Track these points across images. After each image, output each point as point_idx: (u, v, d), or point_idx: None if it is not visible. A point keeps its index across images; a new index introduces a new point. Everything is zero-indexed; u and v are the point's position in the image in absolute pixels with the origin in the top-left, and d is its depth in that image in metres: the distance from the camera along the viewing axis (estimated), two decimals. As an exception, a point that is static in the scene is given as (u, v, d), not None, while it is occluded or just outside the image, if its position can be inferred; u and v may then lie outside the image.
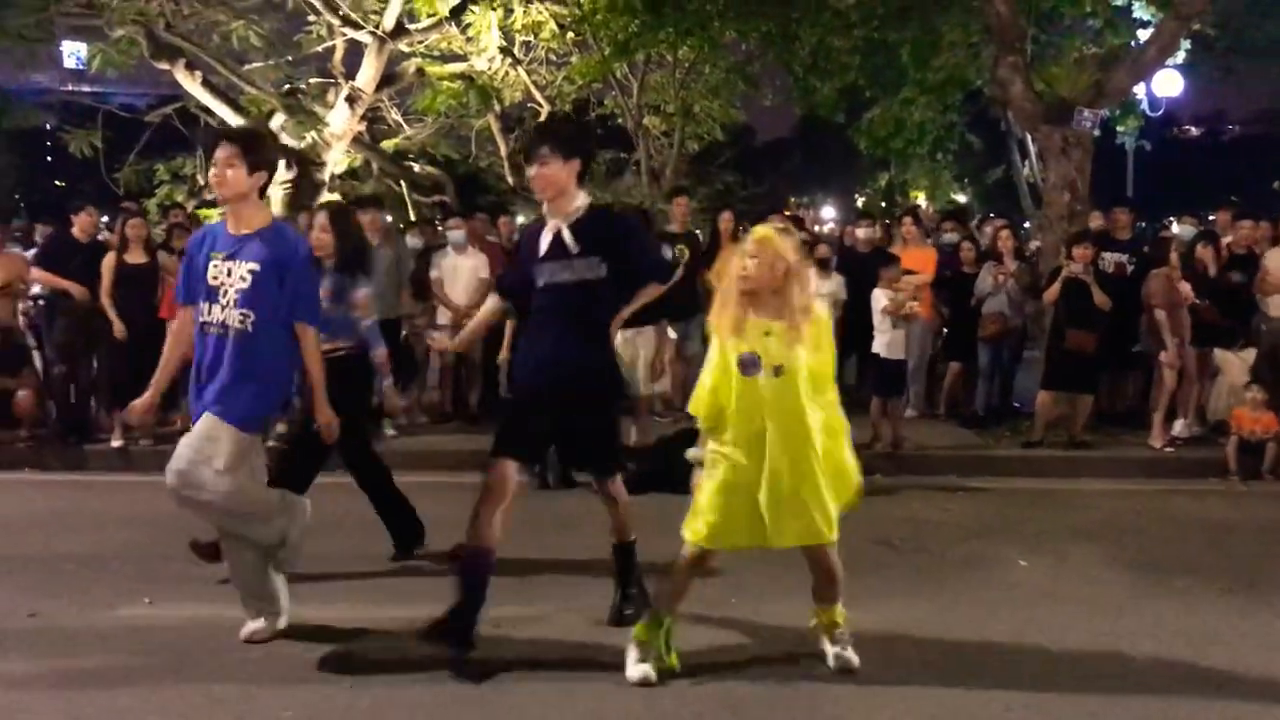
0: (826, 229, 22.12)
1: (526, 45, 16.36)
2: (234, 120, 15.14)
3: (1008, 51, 11.20)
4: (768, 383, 4.49)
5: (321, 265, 5.75)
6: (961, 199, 30.50)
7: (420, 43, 15.78)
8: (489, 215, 12.74)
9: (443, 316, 10.43)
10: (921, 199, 29.18)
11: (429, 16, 15.00)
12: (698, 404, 4.63)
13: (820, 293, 10.23)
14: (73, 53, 26.93)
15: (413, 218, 15.70)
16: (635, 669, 4.63)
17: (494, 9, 14.73)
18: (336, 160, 15.63)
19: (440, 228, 12.02)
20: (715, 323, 4.66)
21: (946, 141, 16.26)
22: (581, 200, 4.97)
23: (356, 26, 15.08)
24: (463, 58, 16.02)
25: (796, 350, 4.53)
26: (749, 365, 4.50)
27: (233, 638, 5.00)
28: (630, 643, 4.71)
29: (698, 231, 11.87)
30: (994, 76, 11.67)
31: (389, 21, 15.01)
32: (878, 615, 5.41)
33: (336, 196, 15.46)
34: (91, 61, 16.14)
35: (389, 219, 12.60)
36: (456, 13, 14.98)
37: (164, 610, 5.51)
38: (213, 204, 15.62)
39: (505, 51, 15.83)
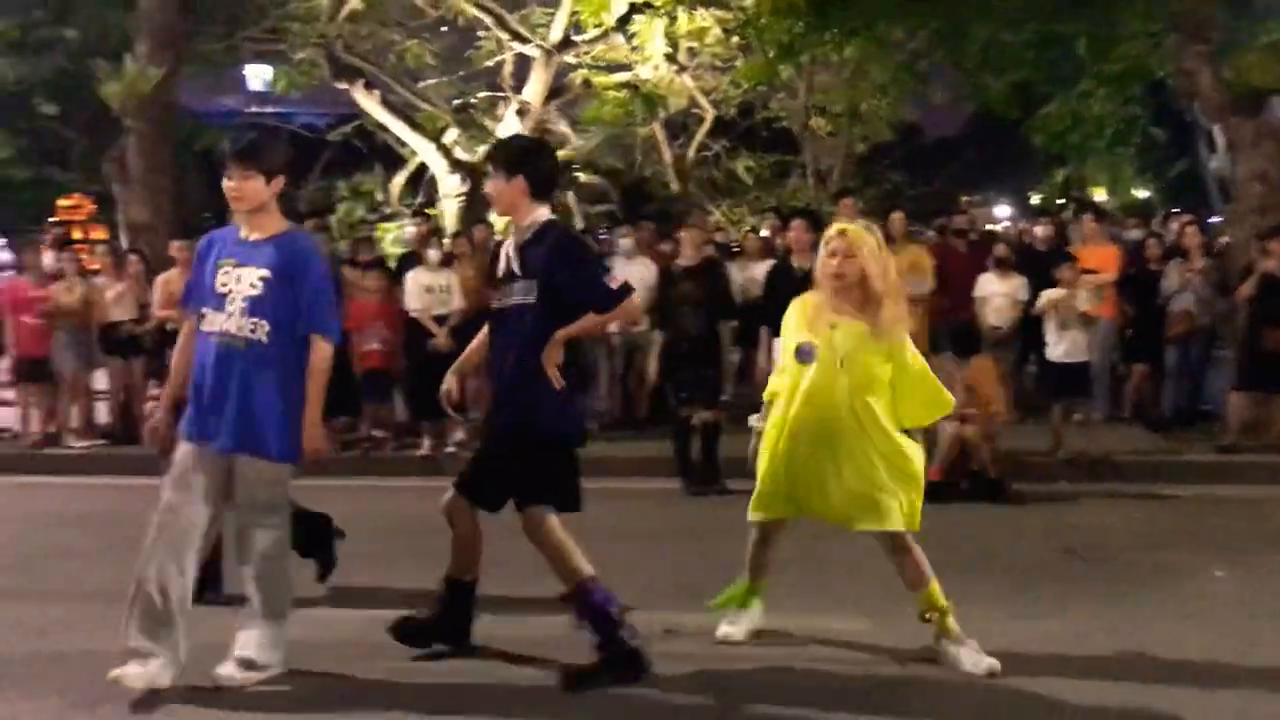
0: (1000, 227, 21.51)
1: (691, 51, 16.42)
2: (411, 137, 15.65)
3: (1194, 40, 10.72)
4: (826, 371, 4.63)
5: None
6: (1143, 194, 29.27)
7: (586, 54, 16.00)
8: (655, 223, 12.78)
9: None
10: (1101, 195, 28.14)
11: (595, 28, 15.20)
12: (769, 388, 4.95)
13: (999, 293, 10.10)
14: (257, 76, 28.25)
15: (580, 227, 15.92)
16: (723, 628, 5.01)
17: (659, 17, 14.82)
18: (507, 172, 15.92)
19: (606, 236, 12.13)
20: (791, 312, 4.85)
21: (1128, 135, 15.62)
22: (535, 218, 4.69)
23: (525, 41, 15.40)
24: (628, 67, 16.19)
25: (865, 346, 4.64)
26: (805, 354, 4.67)
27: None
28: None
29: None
30: (1179, 66, 11.18)
31: (556, 34, 15.27)
32: (1063, 625, 5.24)
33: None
34: (275, 84, 16.93)
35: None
36: (622, 23, 15.13)
37: (345, 613, 5.67)
38: (390, 218, 16.20)
39: (670, 59, 15.92)
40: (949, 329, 9.47)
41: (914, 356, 4.76)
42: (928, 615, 4.76)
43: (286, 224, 4.64)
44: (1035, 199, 34.41)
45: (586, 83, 16.51)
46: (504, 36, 15.57)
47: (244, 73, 26.17)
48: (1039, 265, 10.24)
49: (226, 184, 4.52)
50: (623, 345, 10.57)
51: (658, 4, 14.42)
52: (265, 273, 4.45)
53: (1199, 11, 10.76)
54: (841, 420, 4.64)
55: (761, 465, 4.84)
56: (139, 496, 5.30)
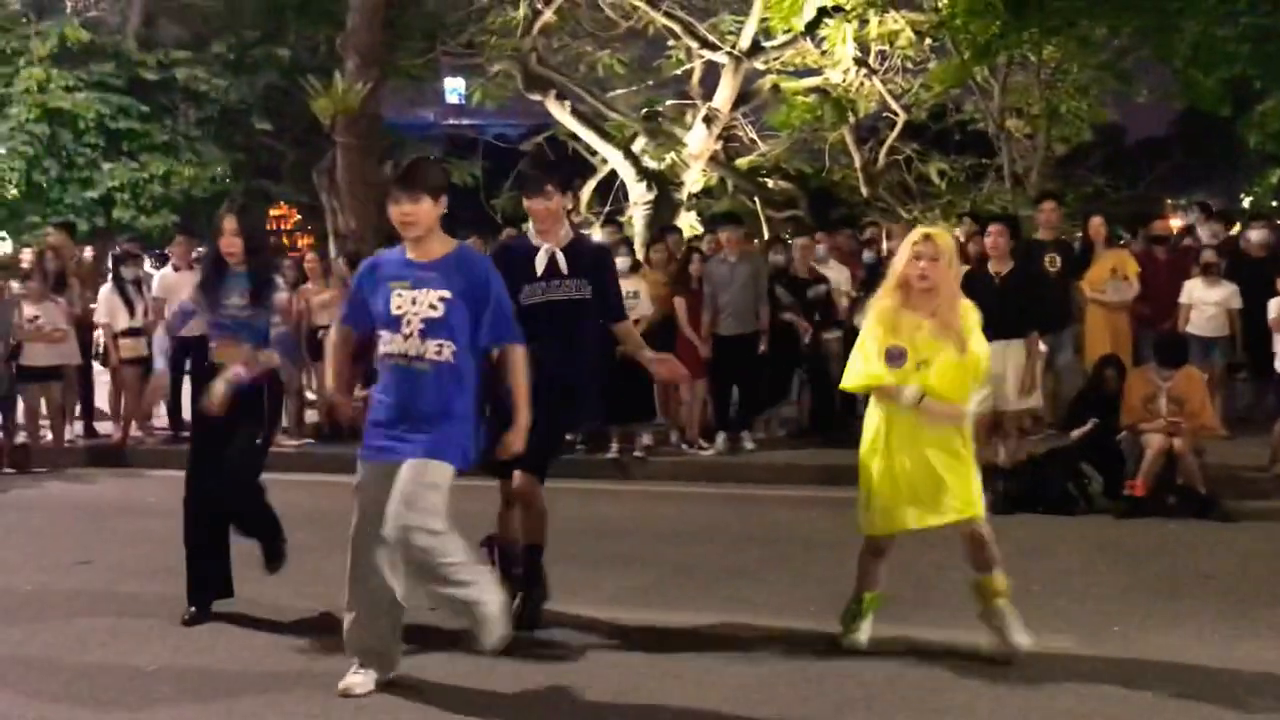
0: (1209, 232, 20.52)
1: (882, 55, 16.18)
2: (601, 146, 15.89)
3: None
4: (908, 375, 4.73)
5: (228, 270, 5.47)
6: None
7: (776, 59, 15.95)
8: (846, 228, 12.63)
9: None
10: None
11: (784, 33, 15.14)
12: (847, 384, 5.02)
13: (1207, 300, 9.65)
14: (453, 88, 29.20)
15: (766, 234, 15.87)
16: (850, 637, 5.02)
17: (849, 21, 14.66)
18: (694, 179, 16.05)
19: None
20: (871, 312, 4.93)
21: (1350, 133, 14.72)
22: (568, 227, 5.52)
23: (714, 48, 15.46)
24: (817, 71, 16.07)
25: (946, 346, 4.73)
26: (895, 358, 4.75)
27: (611, 637, 5.19)
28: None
29: (1068, 239, 11.25)
30: None
31: (745, 41, 15.28)
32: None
33: (694, 215, 15.91)
34: (471, 96, 17.47)
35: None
36: (812, 27, 15.03)
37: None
38: (579, 227, 16.48)
39: (860, 63, 15.73)
40: (1154, 338, 9.09)
41: (976, 343, 4.81)
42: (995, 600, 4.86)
43: (454, 241, 4.69)
44: (1247, 201, 32.70)
45: (775, 88, 16.46)
46: (693, 44, 15.67)
47: (442, 86, 27.08)
48: (1253, 273, 9.71)
49: (397, 210, 4.54)
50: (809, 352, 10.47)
51: (848, 7, 14.27)
52: (445, 293, 4.48)
53: None
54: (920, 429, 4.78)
55: (869, 480, 4.90)
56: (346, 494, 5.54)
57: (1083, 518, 7.78)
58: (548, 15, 15.34)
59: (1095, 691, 4.56)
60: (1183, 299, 9.75)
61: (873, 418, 4.93)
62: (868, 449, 4.92)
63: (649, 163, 15.72)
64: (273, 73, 18.99)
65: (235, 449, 5.41)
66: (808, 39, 15.44)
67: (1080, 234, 11.56)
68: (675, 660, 4.97)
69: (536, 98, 15.88)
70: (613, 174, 16.56)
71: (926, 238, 4.82)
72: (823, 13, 14.91)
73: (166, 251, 12.54)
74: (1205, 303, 9.68)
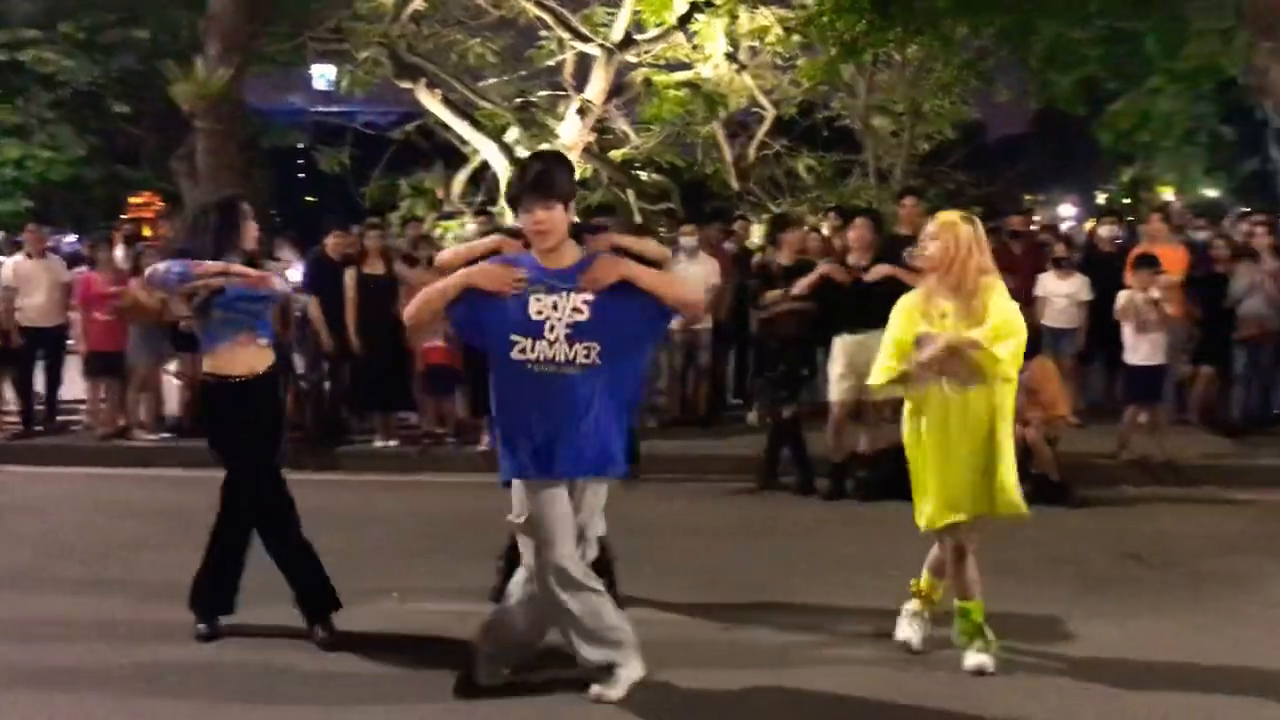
0: (1065, 227, 21.24)
1: (752, 50, 16.36)
2: (473, 136, 15.74)
3: (1266, 36, 10.51)
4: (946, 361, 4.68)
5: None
6: (1212, 193, 28.75)
7: (648, 53, 15.99)
8: (718, 221, 12.77)
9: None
10: (1168, 194, 27.66)
11: (656, 27, 15.20)
12: (873, 382, 5.05)
13: (1060, 293, 10.01)
14: (322, 75, 28.57)
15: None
16: (973, 658, 4.75)
17: (720, 16, 14.79)
18: (568, 171, 15.97)
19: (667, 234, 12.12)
20: (896, 308, 4.91)
21: (1196, 133, 15.39)
22: None
23: (586, 40, 15.42)
24: (689, 66, 16.16)
25: (971, 329, 4.68)
26: (924, 344, 4.71)
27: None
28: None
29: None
30: (1249, 64, 10.98)
31: (617, 33, 15.29)
32: (1126, 631, 5.17)
33: (568, 206, 15.86)
34: (340, 83, 17.11)
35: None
36: (683, 21, 15.12)
37: (411, 606, 5.75)
38: (451, 216, 16.32)
39: (731, 58, 15.88)
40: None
41: (995, 312, 4.72)
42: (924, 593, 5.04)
43: (579, 248, 4.47)
44: (1101, 198, 33.95)
45: (647, 81, 16.51)
46: (565, 35, 15.61)
47: (309, 72, 26.52)
48: (1104, 266, 10.10)
49: (529, 219, 4.31)
50: (681, 343, 10.57)
51: (719, 3, 14.38)
52: (589, 295, 4.31)
53: (1270, 8, 10.55)
54: (966, 410, 4.72)
55: (916, 475, 4.85)
56: (206, 489, 5.42)
57: (943, 504, 8.01)
58: (417, 2, 15.12)
59: (947, 673, 4.71)
60: (1037, 291, 10.10)
61: (908, 413, 4.89)
62: (909, 442, 4.88)
63: (522, 153, 15.61)
64: (130, 55, 18.36)
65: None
66: (680, 33, 15.53)
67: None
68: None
69: (406, 86, 15.64)
70: (485, 164, 16.43)
71: (941, 225, 4.81)
72: (694, 7, 15.00)
73: (19, 239, 12.07)
74: (1057, 295, 10.04)
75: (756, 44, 16.18)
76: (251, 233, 5.30)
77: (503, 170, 15.57)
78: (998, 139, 35.13)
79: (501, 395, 4.41)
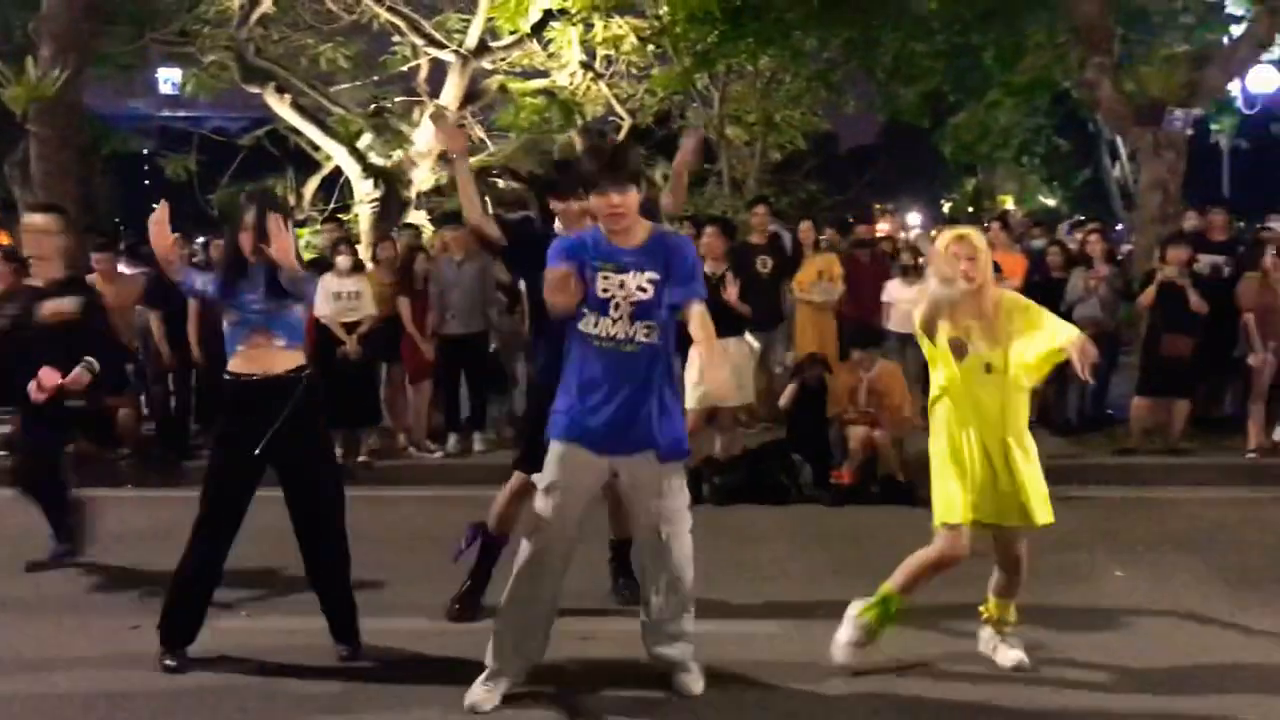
0: (913, 235, 21.87)
1: (608, 59, 16.46)
2: (324, 141, 15.45)
3: (1095, 52, 11.01)
4: (977, 374, 4.69)
5: (249, 264, 5.06)
6: (1050, 202, 29.95)
7: (503, 60, 15.95)
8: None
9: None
10: (1009, 203, 28.70)
11: (511, 34, 15.17)
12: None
13: (906, 299, 10.30)
14: (167, 79, 27.73)
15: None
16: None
17: (575, 24, 14.84)
18: (423, 178, 15.85)
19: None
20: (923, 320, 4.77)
21: (1033, 144, 16.02)
22: None
23: (440, 46, 15.31)
24: (545, 73, 16.18)
25: (1002, 347, 4.68)
26: (958, 349, 4.70)
27: (330, 651, 5.07)
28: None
29: (781, 234, 11.67)
30: (1082, 78, 11.47)
31: (471, 40, 15.21)
32: (975, 624, 5.33)
33: (423, 214, 15.71)
34: (185, 87, 16.62)
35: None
36: (538, 29, 15.12)
37: (261, 624, 5.62)
38: (302, 224, 15.98)
39: (586, 66, 15.94)
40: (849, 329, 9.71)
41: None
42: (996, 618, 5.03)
43: (649, 224, 4.57)
44: (946, 207, 35.04)
45: (503, 88, 16.47)
46: (419, 41, 15.47)
47: (155, 76, 25.69)
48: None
49: (603, 203, 4.38)
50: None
51: (573, 11, 14.43)
52: (655, 275, 4.43)
53: (1099, 25, 11.05)
54: (995, 421, 4.72)
55: (938, 462, 4.82)
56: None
57: (795, 506, 8.18)
58: (266, 5, 14.80)
59: (794, 671, 4.82)
60: (884, 297, 10.38)
61: (935, 402, 4.85)
62: (935, 429, 4.85)
63: (376, 159, 15.41)
64: (-43, 56, 17.50)
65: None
66: (534, 41, 15.53)
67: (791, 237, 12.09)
68: (392, 669, 4.91)
69: (255, 90, 15.30)
70: (338, 170, 16.16)
71: (960, 238, 4.72)
72: (549, 15, 15.03)
73: None
74: (903, 300, 10.33)
75: (612, 53, 16.28)
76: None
77: (356, 176, 15.35)
78: (848, 149, 35.97)
79: (571, 362, 4.53)
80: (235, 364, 5.04)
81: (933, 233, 9.40)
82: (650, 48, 15.54)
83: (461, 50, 15.19)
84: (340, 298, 9.56)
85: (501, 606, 4.59)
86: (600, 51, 16.05)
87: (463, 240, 10.00)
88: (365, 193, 15.18)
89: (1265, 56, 13.67)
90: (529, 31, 14.99)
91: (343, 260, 9.69)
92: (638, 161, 4.53)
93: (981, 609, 5.05)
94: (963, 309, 4.69)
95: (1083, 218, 17.53)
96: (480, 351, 9.94)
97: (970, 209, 31.28)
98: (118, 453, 9.79)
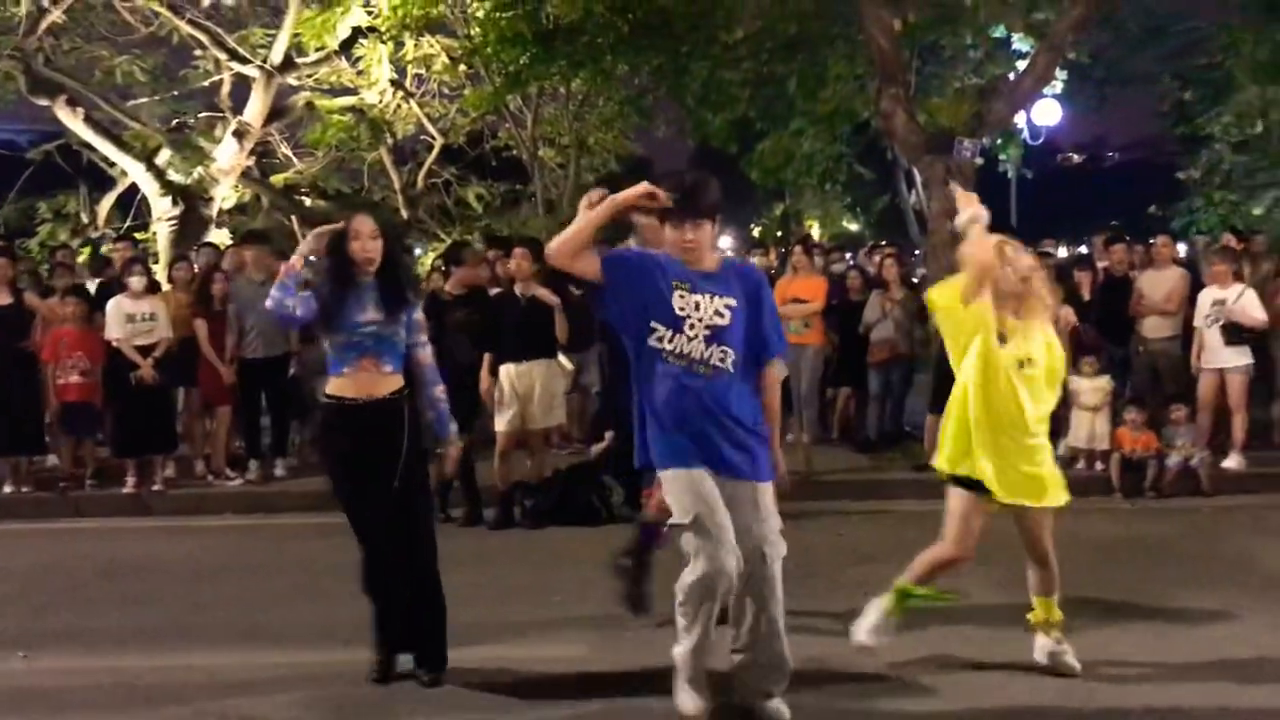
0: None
1: (419, 78, 16.33)
2: (119, 157, 14.84)
3: (890, 84, 11.43)
4: (1011, 367, 4.83)
5: (357, 280, 4.88)
6: (853, 227, 31.04)
7: (309, 76, 15.66)
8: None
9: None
10: (815, 227, 29.62)
11: (317, 50, 14.91)
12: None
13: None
14: (-52, 88, 26.14)
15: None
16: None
17: (385, 43, 14.67)
18: (225, 195, 15.40)
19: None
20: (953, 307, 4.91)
21: (835, 172, 16.56)
22: None
23: (244, 61, 14.93)
24: (353, 91, 15.95)
25: (1038, 345, 4.86)
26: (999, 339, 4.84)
27: (116, 688, 4.85)
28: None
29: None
30: (879, 108, 11.90)
31: (276, 55, 14.89)
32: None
33: (224, 232, 15.24)
34: (-33, 97, 15.73)
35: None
36: (347, 46, 14.91)
37: (40, 664, 5.33)
38: (98, 243, 15.30)
39: (396, 84, 15.80)
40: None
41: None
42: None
43: (719, 252, 4.63)
44: (757, 231, 35.92)
45: (310, 105, 16.15)
46: (221, 56, 15.03)
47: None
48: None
49: (679, 235, 4.40)
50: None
51: (383, 29, 14.25)
52: (732, 301, 4.42)
53: (894, 58, 11.50)
54: (1024, 412, 4.89)
55: (955, 413, 5.03)
56: None
57: (606, 528, 8.18)
58: (55, 15, 14.14)
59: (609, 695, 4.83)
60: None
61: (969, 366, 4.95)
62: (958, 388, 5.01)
63: (175, 176, 14.86)
64: None
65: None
66: (342, 58, 15.29)
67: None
68: (185, 707, 4.73)
69: (44, 103, 14.59)
70: (135, 187, 15.54)
71: (1006, 250, 4.86)
72: (358, 32, 14.82)
73: None
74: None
75: (423, 72, 16.17)
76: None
77: (153, 194, 14.80)
78: (662, 173, 36.52)
79: (647, 386, 4.46)
80: (336, 387, 4.88)
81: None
82: (462, 67, 15.47)
83: (266, 66, 14.84)
84: (135, 319, 9.18)
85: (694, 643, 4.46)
86: (411, 70, 15.94)
87: (262, 260, 9.73)
88: (163, 211, 14.66)
89: (1048, 91, 14.44)
90: (337, 48, 14.79)
91: (136, 281, 9.31)
92: (717, 194, 4.49)
93: (1029, 616, 5.28)
94: (1003, 302, 4.82)
95: (883, 242, 18.22)
96: (282, 375, 9.66)
97: (779, 233, 32.13)
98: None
